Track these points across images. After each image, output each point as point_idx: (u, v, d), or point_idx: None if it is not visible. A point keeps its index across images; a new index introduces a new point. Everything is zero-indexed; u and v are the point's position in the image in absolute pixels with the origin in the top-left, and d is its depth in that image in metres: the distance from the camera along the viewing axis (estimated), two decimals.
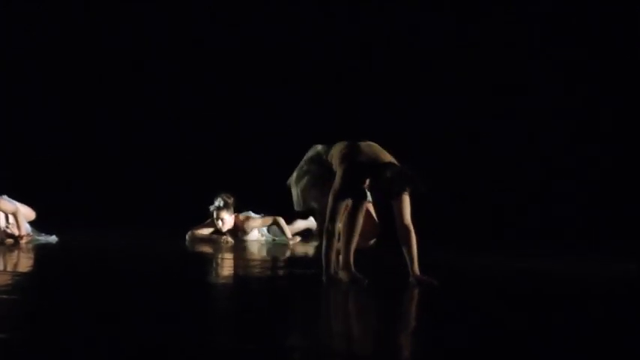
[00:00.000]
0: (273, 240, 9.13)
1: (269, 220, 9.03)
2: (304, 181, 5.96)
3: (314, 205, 5.99)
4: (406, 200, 5.71)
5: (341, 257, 5.80)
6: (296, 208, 6.09)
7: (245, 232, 9.01)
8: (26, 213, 8.47)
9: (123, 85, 11.08)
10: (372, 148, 5.80)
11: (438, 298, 5.42)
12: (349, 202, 5.68)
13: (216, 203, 8.84)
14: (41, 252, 7.70)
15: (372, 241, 6.10)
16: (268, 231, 9.22)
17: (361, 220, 5.79)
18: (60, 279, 6.14)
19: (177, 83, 11.04)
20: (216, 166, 10.53)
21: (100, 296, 5.25)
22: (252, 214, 9.07)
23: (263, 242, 8.99)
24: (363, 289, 5.55)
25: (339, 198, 5.60)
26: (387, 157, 5.75)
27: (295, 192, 6.03)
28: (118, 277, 6.20)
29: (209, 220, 8.93)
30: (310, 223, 9.39)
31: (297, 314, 4.95)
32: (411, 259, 5.73)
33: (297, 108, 10.61)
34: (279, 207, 8.81)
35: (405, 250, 5.74)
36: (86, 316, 4.56)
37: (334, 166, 5.78)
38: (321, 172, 5.90)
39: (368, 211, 5.95)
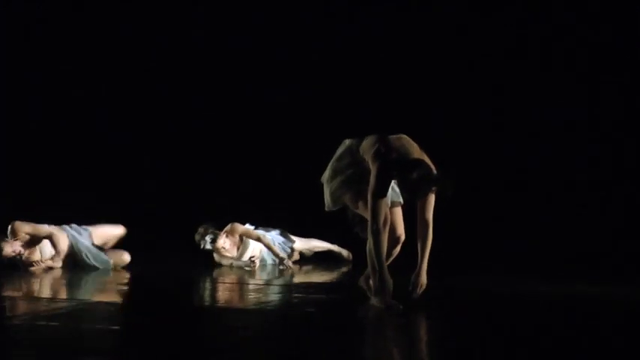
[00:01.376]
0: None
1: (253, 231, 8.72)
2: (335, 182, 5.97)
3: (348, 204, 5.99)
4: (431, 197, 5.78)
5: (371, 281, 5.83)
6: (326, 208, 6.09)
7: (239, 240, 8.75)
8: (114, 232, 8.54)
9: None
10: (402, 141, 5.81)
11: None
12: (389, 200, 5.77)
13: (206, 244, 8.62)
14: (77, 278, 7.80)
15: (396, 250, 6.09)
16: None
17: (386, 238, 5.81)
18: (97, 305, 6.20)
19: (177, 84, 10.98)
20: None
21: (145, 326, 5.34)
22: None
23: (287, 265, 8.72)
24: (397, 316, 5.53)
25: (377, 196, 5.64)
26: (416, 152, 5.76)
27: (327, 192, 6.05)
28: (161, 307, 6.23)
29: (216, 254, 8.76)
30: (326, 245, 9.31)
31: (317, 342, 4.88)
32: (422, 256, 5.81)
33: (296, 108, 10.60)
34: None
35: (419, 245, 5.83)
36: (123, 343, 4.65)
37: (366, 162, 5.80)
38: (352, 171, 5.90)
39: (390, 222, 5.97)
